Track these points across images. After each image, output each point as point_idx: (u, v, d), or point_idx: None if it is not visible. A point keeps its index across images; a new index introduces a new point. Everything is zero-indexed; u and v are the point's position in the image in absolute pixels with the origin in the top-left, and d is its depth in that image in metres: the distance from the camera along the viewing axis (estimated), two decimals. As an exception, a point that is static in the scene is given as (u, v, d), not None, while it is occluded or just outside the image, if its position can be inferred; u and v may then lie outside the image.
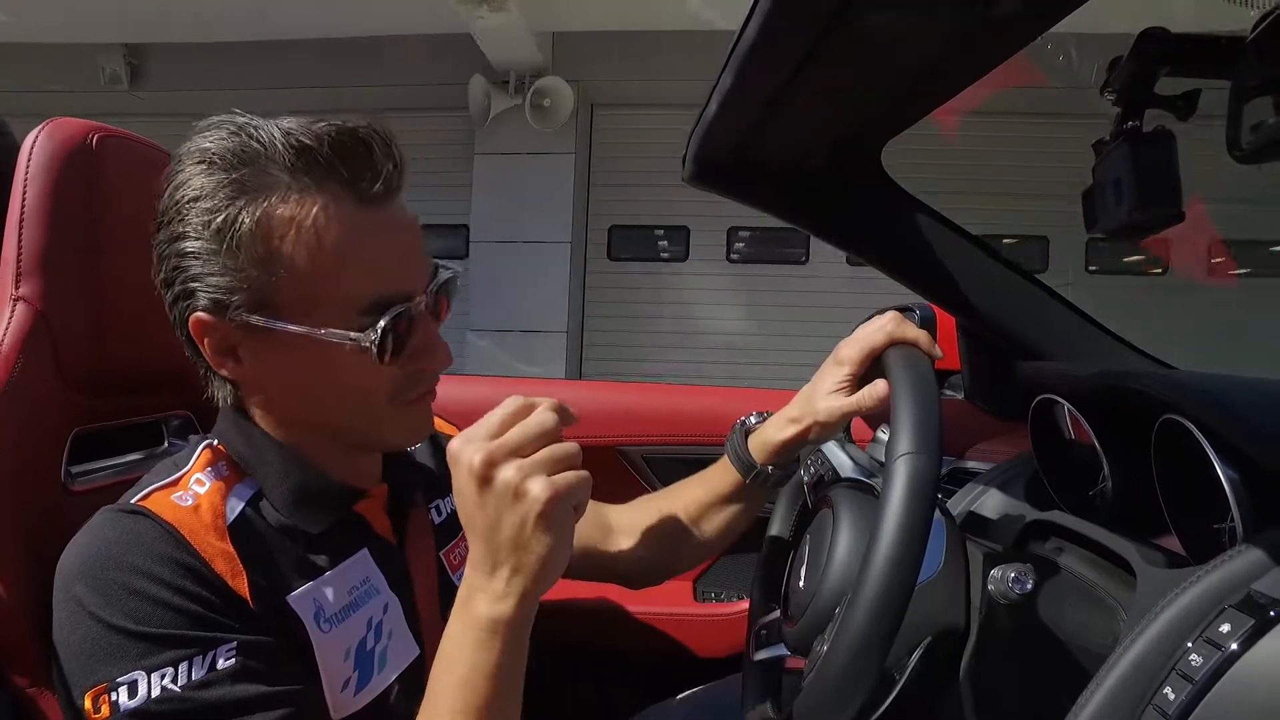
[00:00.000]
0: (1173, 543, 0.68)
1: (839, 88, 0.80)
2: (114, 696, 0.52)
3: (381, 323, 0.59)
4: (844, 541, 0.69)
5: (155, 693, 0.52)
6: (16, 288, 0.70)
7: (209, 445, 0.65)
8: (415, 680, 0.68)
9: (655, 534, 0.91)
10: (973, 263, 1.01)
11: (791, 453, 0.86)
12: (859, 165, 0.96)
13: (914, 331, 0.77)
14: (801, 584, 0.73)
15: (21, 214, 0.71)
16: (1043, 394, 0.87)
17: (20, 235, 0.71)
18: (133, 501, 0.59)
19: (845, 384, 0.80)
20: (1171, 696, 0.50)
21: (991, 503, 0.93)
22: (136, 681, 0.52)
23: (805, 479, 0.88)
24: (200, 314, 0.59)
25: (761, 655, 0.76)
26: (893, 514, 0.56)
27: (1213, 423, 0.62)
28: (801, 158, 0.95)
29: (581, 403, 1.20)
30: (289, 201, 0.57)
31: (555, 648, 0.56)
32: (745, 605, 1.17)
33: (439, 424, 0.89)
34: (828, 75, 0.76)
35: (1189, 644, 0.52)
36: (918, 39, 0.73)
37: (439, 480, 0.80)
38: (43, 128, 0.74)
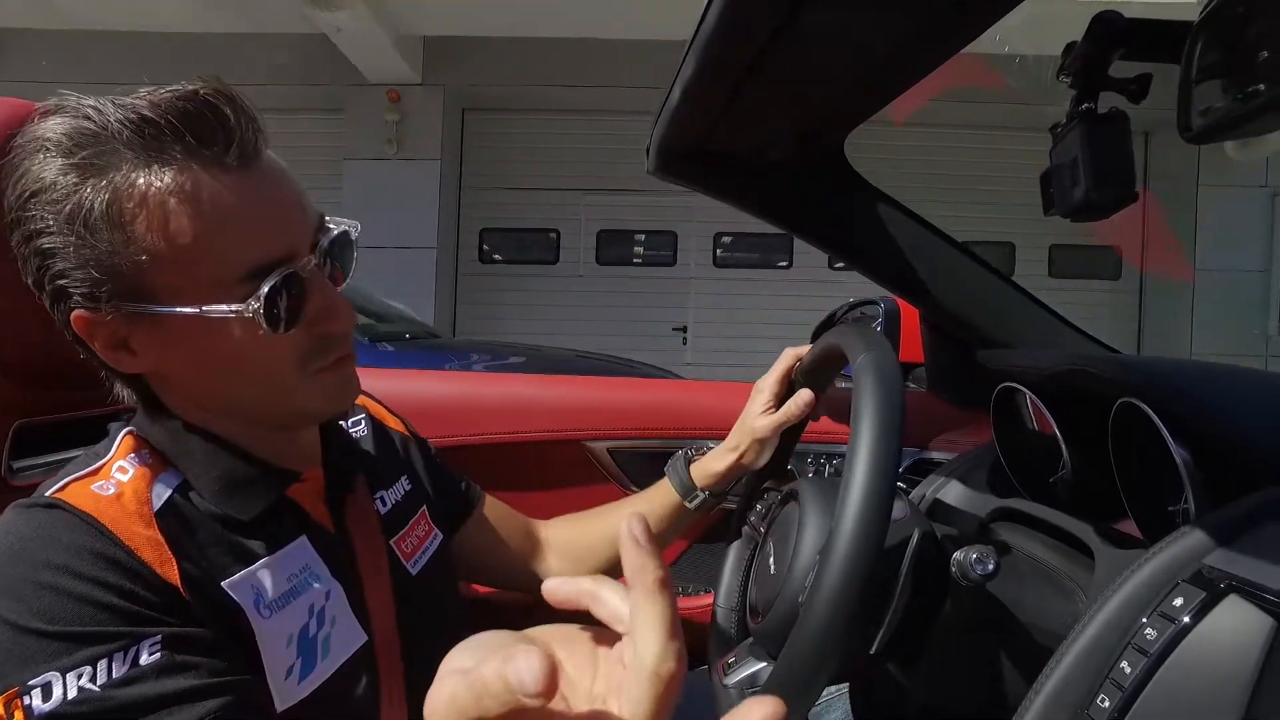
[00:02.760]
0: (1130, 527, 0.69)
1: (798, 78, 0.80)
2: (26, 701, 0.49)
3: (263, 289, 0.56)
4: (812, 518, 0.69)
5: (72, 694, 0.49)
6: None
7: (130, 432, 0.62)
8: (363, 667, 0.66)
9: (583, 551, 0.95)
10: (935, 254, 1.02)
11: (729, 480, 0.94)
12: (822, 157, 0.97)
13: (805, 348, 0.90)
14: (771, 571, 0.72)
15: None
16: (1004, 382, 0.88)
17: None
18: (47, 494, 0.56)
19: (770, 405, 0.91)
20: (1128, 670, 0.50)
21: (954, 491, 0.94)
22: (51, 684, 0.49)
23: (752, 519, 0.90)
24: (79, 311, 0.56)
25: (733, 678, 0.76)
26: (869, 398, 0.58)
27: (1168, 404, 0.63)
28: (765, 149, 0.95)
29: (546, 398, 1.23)
30: (137, 178, 0.53)
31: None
32: (705, 601, 1.17)
33: (383, 414, 0.87)
34: (786, 65, 0.76)
35: (1144, 619, 0.52)
36: (874, 29, 0.73)
37: (383, 470, 0.79)
38: None
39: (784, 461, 0.93)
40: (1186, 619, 0.50)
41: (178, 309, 0.56)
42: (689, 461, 0.95)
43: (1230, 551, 0.52)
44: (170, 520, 0.57)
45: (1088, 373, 0.71)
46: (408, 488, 0.81)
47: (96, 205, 0.53)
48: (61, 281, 0.55)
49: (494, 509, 0.94)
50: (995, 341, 1.02)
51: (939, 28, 0.74)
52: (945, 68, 0.81)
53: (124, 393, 0.63)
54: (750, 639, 0.81)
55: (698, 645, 1.19)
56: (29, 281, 0.57)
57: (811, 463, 1.13)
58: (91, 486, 0.57)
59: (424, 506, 0.81)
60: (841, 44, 0.75)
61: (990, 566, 0.61)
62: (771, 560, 0.74)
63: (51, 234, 0.54)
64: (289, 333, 0.58)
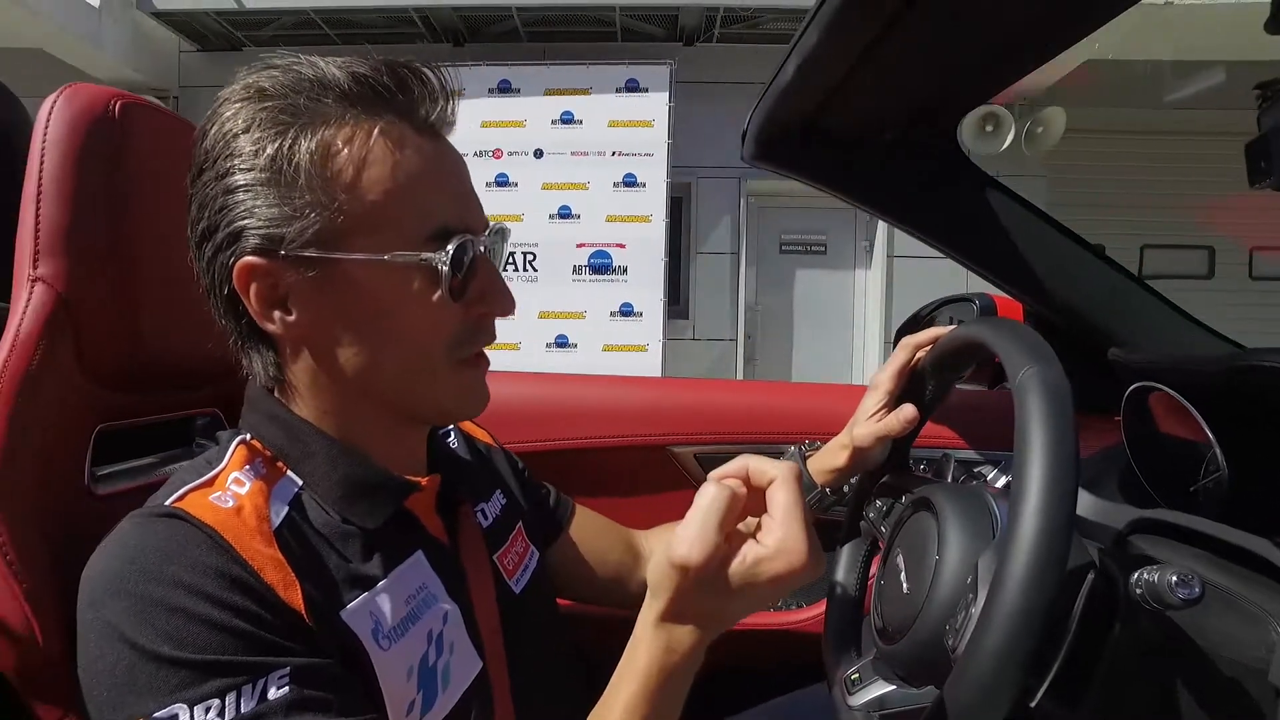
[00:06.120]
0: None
1: (928, 50, 0.74)
2: None
3: (450, 247, 0.55)
4: (955, 537, 0.63)
5: None
6: (35, 267, 0.63)
7: (243, 441, 0.58)
8: (481, 698, 0.61)
9: None
10: (1051, 246, 0.94)
11: (844, 478, 0.87)
12: (934, 140, 0.90)
13: (927, 334, 0.82)
14: (904, 589, 0.66)
15: (39, 187, 0.64)
16: (1139, 382, 0.81)
17: (38, 210, 0.64)
18: (167, 503, 0.52)
19: (883, 406, 0.83)
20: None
21: (1083, 501, 0.87)
22: (177, 715, 0.45)
23: (871, 515, 0.84)
24: (249, 258, 0.53)
25: (860, 699, 0.70)
26: (1037, 429, 0.51)
27: None
28: (874, 130, 0.88)
29: (631, 402, 1.17)
30: (346, 126, 0.54)
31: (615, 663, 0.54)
32: (818, 610, 1.10)
33: (469, 426, 0.84)
34: (916, 36, 0.70)
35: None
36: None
37: (480, 482, 0.75)
38: (60, 93, 0.67)
39: (905, 457, 0.87)
40: None
41: (362, 255, 0.54)
42: (804, 458, 0.89)
43: None
44: (289, 540, 0.53)
45: (1267, 370, 0.64)
46: (503, 501, 0.76)
47: (304, 148, 0.53)
48: (243, 223, 0.53)
49: (589, 521, 0.89)
50: (1118, 339, 0.95)
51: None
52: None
53: (258, 366, 0.59)
54: (874, 655, 0.75)
55: (810, 660, 1.14)
56: (198, 230, 0.55)
57: (925, 470, 1.06)
58: (210, 497, 0.52)
59: (520, 521, 0.77)
60: (979, 13, 0.69)
61: (1197, 590, 0.54)
62: (903, 577, 0.68)
63: (249, 171, 0.53)
64: (456, 303, 0.57)
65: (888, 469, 0.86)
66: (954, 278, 6.11)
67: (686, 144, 5.86)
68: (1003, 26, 0.71)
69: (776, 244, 6.60)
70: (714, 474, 0.57)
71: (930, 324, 1.29)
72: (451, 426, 0.79)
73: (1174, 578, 0.54)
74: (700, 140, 6.01)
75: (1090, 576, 0.57)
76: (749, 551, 0.51)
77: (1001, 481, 1.06)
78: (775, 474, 0.53)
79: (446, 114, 0.58)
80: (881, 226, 6.31)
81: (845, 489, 0.89)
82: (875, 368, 6.30)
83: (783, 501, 0.52)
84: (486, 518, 0.72)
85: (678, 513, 1.00)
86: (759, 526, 0.53)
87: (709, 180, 6.25)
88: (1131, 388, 0.82)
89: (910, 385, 0.83)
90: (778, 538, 0.51)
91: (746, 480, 0.55)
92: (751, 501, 0.55)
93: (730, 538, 0.52)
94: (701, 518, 0.51)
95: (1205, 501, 0.77)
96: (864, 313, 6.57)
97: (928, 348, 0.81)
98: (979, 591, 0.56)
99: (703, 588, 0.51)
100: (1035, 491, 0.50)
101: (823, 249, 6.62)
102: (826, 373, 6.62)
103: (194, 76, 6.38)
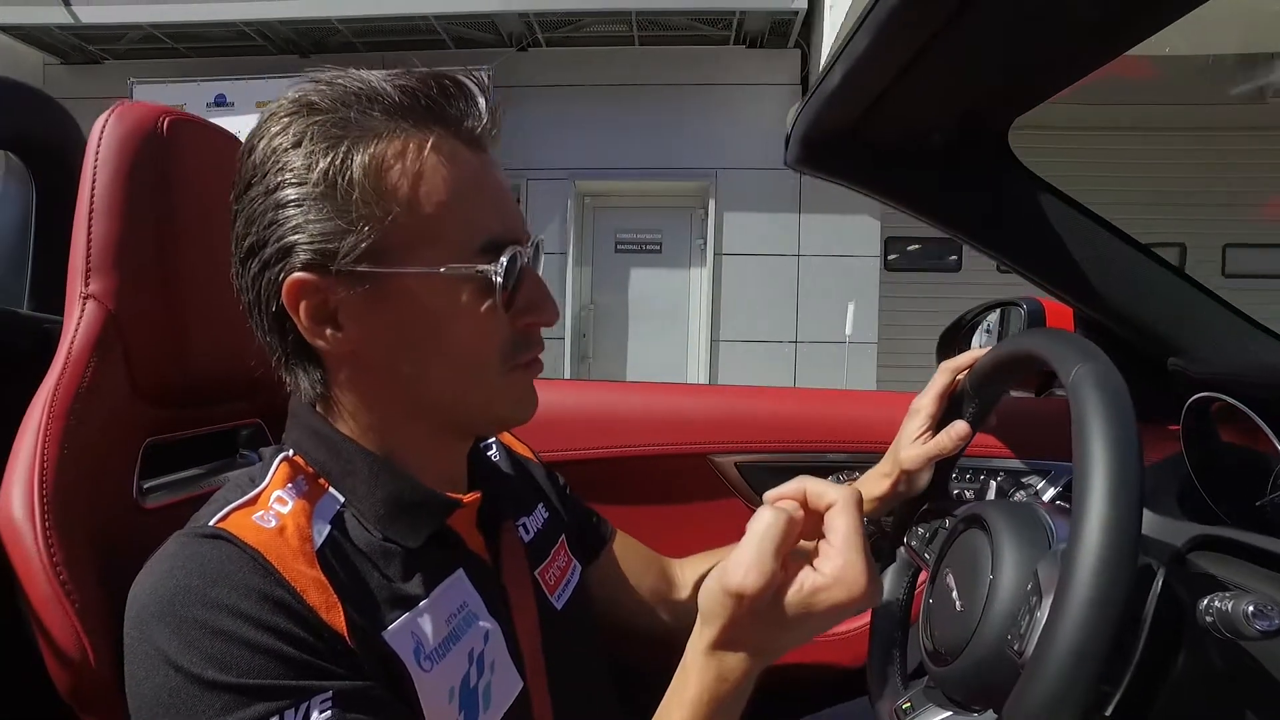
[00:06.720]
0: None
1: (981, 52, 0.72)
2: None
3: (504, 257, 0.55)
4: (1010, 550, 0.61)
5: None
6: (86, 284, 0.64)
7: (286, 458, 0.58)
8: (523, 719, 0.61)
9: None
10: (1106, 250, 0.91)
11: (885, 507, 0.86)
12: (984, 143, 0.88)
13: (966, 357, 0.81)
14: (957, 608, 0.64)
15: (91, 204, 0.65)
16: (1202, 393, 0.78)
17: (90, 227, 0.64)
18: (210, 523, 0.52)
19: (925, 430, 0.82)
20: None
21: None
22: None
23: (913, 543, 0.82)
24: (300, 274, 0.53)
25: None
26: (1097, 428, 0.49)
27: None
28: (923, 134, 0.86)
29: (670, 409, 1.16)
30: (398, 140, 0.54)
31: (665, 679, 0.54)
32: (862, 621, 1.08)
33: (510, 440, 0.83)
34: (972, 36, 0.68)
35: None
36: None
37: (522, 496, 0.75)
38: (112, 111, 0.68)
39: (945, 483, 0.85)
40: None
41: (417, 269, 0.54)
42: None
43: None
44: (331, 559, 0.53)
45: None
46: (545, 515, 0.76)
47: (357, 162, 0.52)
48: (294, 237, 0.53)
49: (629, 545, 0.88)
50: (1177, 346, 0.91)
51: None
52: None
53: (304, 384, 0.59)
54: (925, 681, 0.73)
55: (853, 672, 1.12)
56: (244, 245, 0.55)
57: (971, 479, 1.04)
58: (252, 517, 0.52)
59: (563, 535, 0.76)
60: (1037, 12, 0.67)
61: (1277, 622, 0.51)
62: (955, 595, 0.66)
63: (301, 186, 0.53)
64: (506, 313, 0.57)
65: (930, 495, 0.84)
66: (782, 274, 6.16)
67: (517, 146, 5.97)
68: (1061, 26, 0.69)
69: (612, 243, 6.61)
70: (769, 495, 0.56)
71: (974, 329, 1.27)
72: (493, 439, 0.79)
73: (1250, 607, 0.51)
74: (531, 142, 6.09)
75: (1159, 579, 0.55)
76: (806, 580, 0.50)
77: (1050, 494, 1.04)
78: (834, 498, 0.52)
79: (491, 126, 0.58)
80: (712, 223, 6.29)
81: (884, 519, 0.87)
82: (705, 365, 6.26)
83: (842, 528, 0.51)
84: (528, 532, 0.72)
85: (718, 522, 0.99)
86: (816, 552, 0.52)
87: (539, 181, 6.28)
88: (1193, 398, 0.79)
89: (951, 407, 0.82)
90: (836, 566, 0.50)
91: (803, 502, 0.54)
92: (807, 524, 0.54)
93: (785, 563, 0.51)
94: (758, 543, 0.50)
95: (1274, 518, 0.74)
96: (698, 310, 6.54)
97: (967, 370, 0.80)
98: (1043, 595, 0.54)
99: (757, 616, 0.50)
100: (1101, 480, 0.48)
101: (658, 248, 6.61)
102: (661, 371, 6.61)
103: (60, 88, 6.51)
